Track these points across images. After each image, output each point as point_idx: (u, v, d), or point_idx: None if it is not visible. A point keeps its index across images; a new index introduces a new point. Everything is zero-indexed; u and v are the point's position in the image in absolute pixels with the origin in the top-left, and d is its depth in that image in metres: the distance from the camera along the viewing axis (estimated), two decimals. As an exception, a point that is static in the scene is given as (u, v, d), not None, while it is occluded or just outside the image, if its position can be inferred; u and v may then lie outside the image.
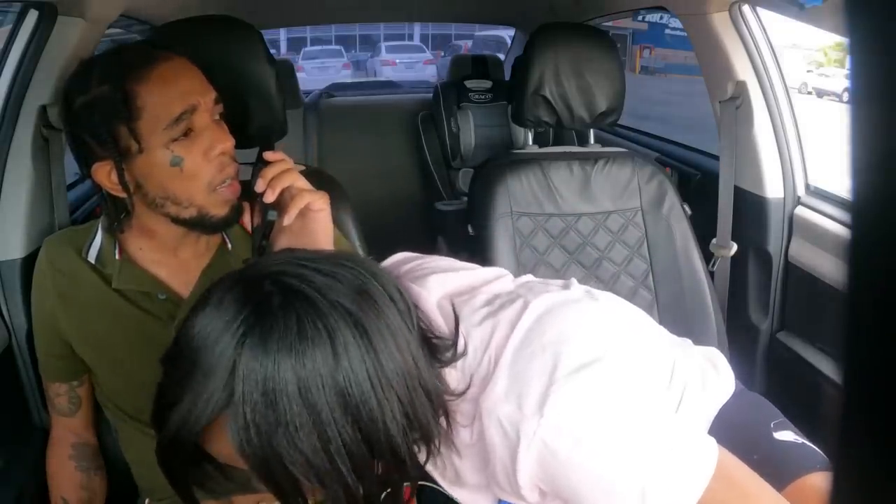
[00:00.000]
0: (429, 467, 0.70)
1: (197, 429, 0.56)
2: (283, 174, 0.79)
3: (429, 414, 0.60)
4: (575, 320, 0.67)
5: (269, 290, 0.56)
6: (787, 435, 0.91)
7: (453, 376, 0.66)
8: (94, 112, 0.81)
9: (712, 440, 0.62)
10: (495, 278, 0.79)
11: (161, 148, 0.82)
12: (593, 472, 0.59)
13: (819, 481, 0.81)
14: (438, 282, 0.74)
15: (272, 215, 0.77)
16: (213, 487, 0.65)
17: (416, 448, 0.62)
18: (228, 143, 0.86)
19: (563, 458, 0.59)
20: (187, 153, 0.83)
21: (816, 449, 0.88)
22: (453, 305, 0.69)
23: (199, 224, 0.88)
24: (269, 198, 0.78)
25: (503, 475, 0.64)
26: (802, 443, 0.90)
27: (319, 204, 0.80)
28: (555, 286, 0.78)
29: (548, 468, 0.61)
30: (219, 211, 0.87)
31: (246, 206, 0.82)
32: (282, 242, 0.79)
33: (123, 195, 0.86)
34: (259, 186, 0.78)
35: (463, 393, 0.65)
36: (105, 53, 0.86)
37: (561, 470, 0.60)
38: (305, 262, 0.59)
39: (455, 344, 0.65)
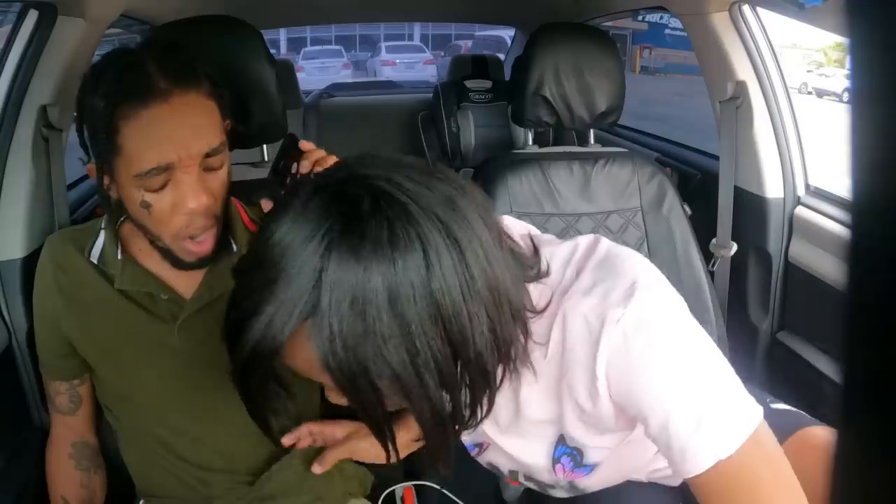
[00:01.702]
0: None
1: (278, 341, 0.53)
2: (324, 158, 0.79)
3: (513, 331, 0.60)
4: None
5: (358, 195, 0.53)
6: (782, 406, 0.93)
7: (536, 292, 0.66)
8: (90, 119, 0.80)
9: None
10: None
11: (133, 188, 0.80)
12: (659, 379, 0.60)
13: (818, 432, 0.83)
14: (512, 221, 0.77)
15: None
16: (277, 409, 0.65)
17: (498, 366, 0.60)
18: (204, 201, 0.82)
19: (635, 355, 0.60)
20: (156, 201, 0.81)
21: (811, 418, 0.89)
22: (531, 237, 0.70)
23: (168, 257, 0.87)
24: None
25: (582, 378, 0.64)
26: (798, 410, 0.91)
27: None
28: None
29: (621, 364, 0.61)
30: (185, 257, 0.87)
31: (267, 202, 0.81)
32: None
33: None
34: (305, 168, 0.77)
35: (544, 309, 0.65)
36: (115, 64, 0.80)
37: (631, 370, 0.61)
38: (395, 167, 0.56)
39: (538, 263, 0.66)
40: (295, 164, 0.78)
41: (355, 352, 0.52)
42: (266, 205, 0.79)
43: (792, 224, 1.46)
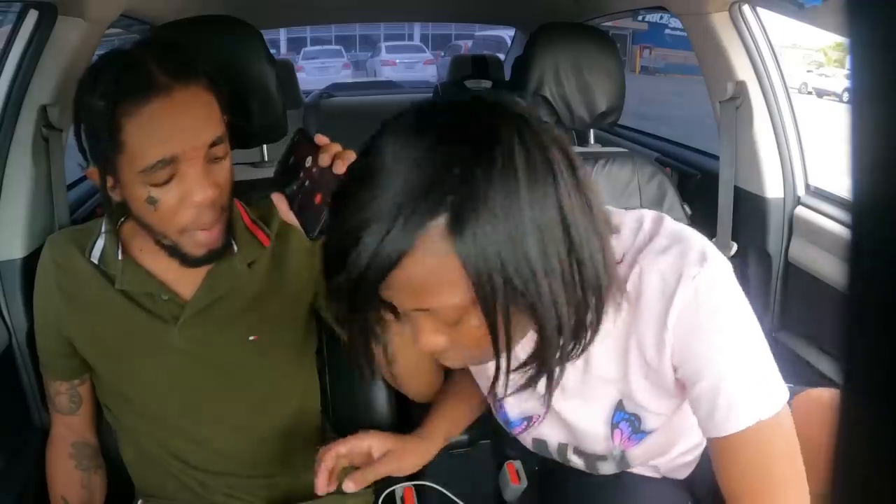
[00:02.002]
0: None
1: (405, 243, 0.54)
2: (344, 152, 0.78)
3: (613, 264, 0.63)
4: None
5: (480, 109, 0.57)
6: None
7: (610, 244, 0.69)
8: (89, 121, 0.80)
9: None
10: None
11: (138, 185, 0.80)
12: (720, 338, 0.65)
13: (820, 393, 0.86)
14: None
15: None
16: (373, 354, 0.67)
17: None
18: (211, 193, 0.82)
19: (704, 313, 0.65)
20: (163, 195, 0.81)
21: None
22: None
23: (176, 255, 0.87)
24: (340, 169, 0.75)
25: (652, 331, 0.68)
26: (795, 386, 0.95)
27: None
28: None
29: (689, 319, 0.65)
30: (194, 251, 0.86)
31: (280, 196, 0.79)
32: None
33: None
34: (325, 161, 0.76)
35: (619, 262, 0.69)
36: (113, 64, 0.81)
37: (697, 327, 0.65)
38: (495, 97, 0.60)
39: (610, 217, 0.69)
40: (310, 158, 0.77)
41: (495, 245, 0.54)
42: (277, 199, 0.78)
43: (792, 224, 1.46)
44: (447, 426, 0.94)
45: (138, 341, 0.92)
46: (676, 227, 0.70)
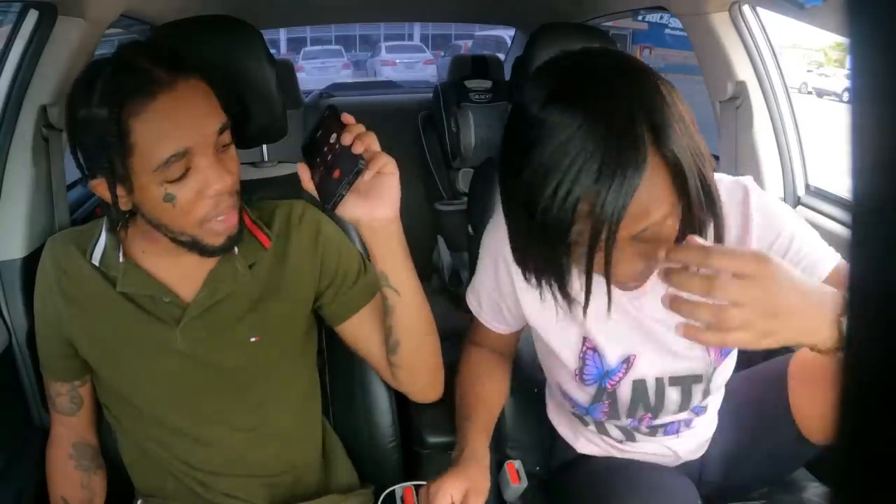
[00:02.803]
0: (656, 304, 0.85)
1: (634, 186, 0.65)
2: (365, 133, 0.79)
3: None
4: None
5: (629, 64, 0.72)
6: None
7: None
8: (92, 132, 0.79)
9: None
10: None
11: (154, 184, 0.80)
12: (788, 217, 0.85)
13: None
14: None
15: (362, 164, 0.76)
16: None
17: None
18: (228, 180, 0.83)
19: (773, 205, 0.85)
20: (180, 190, 0.81)
21: None
22: None
23: (195, 248, 0.87)
24: (359, 149, 0.76)
25: (734, 225, 0.83)
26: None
27: (391, 168, 0.79)
28: None
29: (765, 210, 0.84)
30: (213, 240, 0.87)
31: (304, 167, 0.80)
32: (351, 199, 0.79)
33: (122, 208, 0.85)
34: (347, 140, 0.77)
35: None
36: (110, 68, 0.80)
37: (771, 211, 0.84)
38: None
39: None
40: (335, 135, 0.78)
41: (685, 139, 0.68)
42: (301, 169, 0.79)
43: (792, 224, 1.46)
44: (487, 435, 0.96)
45: (139, 343, 0.92)
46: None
